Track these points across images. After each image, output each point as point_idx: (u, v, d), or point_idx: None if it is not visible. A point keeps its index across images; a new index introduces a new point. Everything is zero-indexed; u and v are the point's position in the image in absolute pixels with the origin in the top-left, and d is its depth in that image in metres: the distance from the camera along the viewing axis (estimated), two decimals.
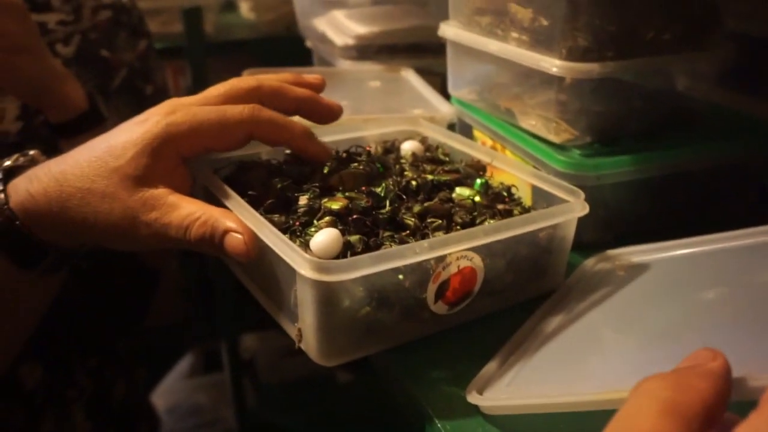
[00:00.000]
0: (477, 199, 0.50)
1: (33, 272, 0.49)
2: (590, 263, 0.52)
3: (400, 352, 0.44)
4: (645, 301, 0.46)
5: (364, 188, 0.47)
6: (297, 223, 0.44)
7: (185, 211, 0.42)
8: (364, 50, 0.87)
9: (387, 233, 0.44)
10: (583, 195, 0.49)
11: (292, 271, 0.39)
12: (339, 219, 0.44)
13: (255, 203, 0.45)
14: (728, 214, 0.63)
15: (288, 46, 1.13)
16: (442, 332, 0.45)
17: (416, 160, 0.56)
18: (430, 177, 0.51)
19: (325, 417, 1.35)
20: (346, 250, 0.42)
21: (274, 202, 0.47)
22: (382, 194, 0.47)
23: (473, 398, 0.38)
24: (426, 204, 0.48)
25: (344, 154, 0.54)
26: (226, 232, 0.41)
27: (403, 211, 0.47)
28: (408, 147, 0.58)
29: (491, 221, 0.47)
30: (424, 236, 0.44)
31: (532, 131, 0.62)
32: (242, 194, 0.46)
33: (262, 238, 0.41)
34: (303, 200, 0.46)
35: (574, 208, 0.48)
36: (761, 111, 0.66)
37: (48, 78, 0.64)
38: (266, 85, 0.49)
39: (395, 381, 0.43)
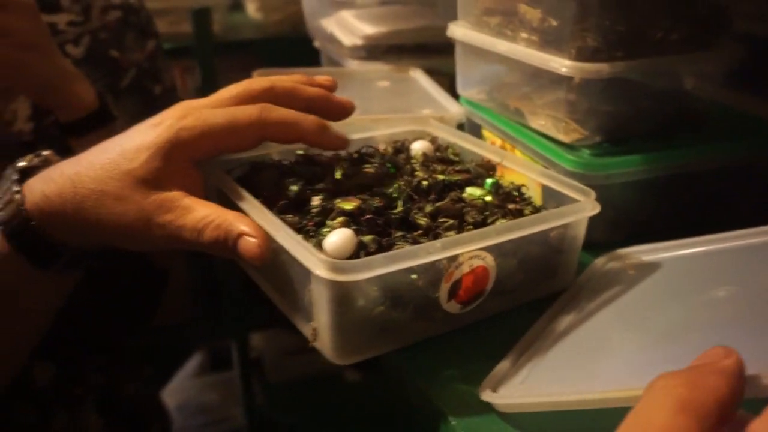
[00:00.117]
0: (488, 198, 0.50)
1: (48, 272, 0.49)
2: (600, 262, 0.53)
3: (413, 350, 0.44)
4: (656, 299, 0.46)
5: (376, 188, 0.48)
6: (310, 224, 0.45)
7: (199, 214, 0.43)
8: (373, 50, 0.87)
9: (399, 233, 0.45)
10: (593, 194, 0.49)
11: (307, 272, 0.40)
12: (352, 219, 0.45)
13: (268, 204, 0.46)
14: (737, 213, 0.63)
15: (296, 46, 1.14)
16: (454, 331, 0.46)
17: (427, 160, 0.56)
18: (441, 177, 0.52)
19: (332, 416, 1.36)
20: (359, 250, 0.42)
21: (287, 203, 0.47)
22: (394, 194, 0.48)
23: (487, 396, 0.39)
24: (437, 204, 0.48)
25: (355, 155, 0.54)
26: (240, 235, 0.41)
27: (415, 211, 0.47)
28: (418, 147, 0.58)
29: (503, 221, 0.47)
30: (436, 236, 0.45)
31: (542, 131, 0.62)
32: (255, 195, 0.46)
33: (277, 239, 0.42)
34: (316, 201, 0.47)
35: (585, 207, 0.48)
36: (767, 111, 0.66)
37: (58, 77, 0.64)
38: (279, 85, 0.50)
39: (408, 379, 0.43)
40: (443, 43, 0.75)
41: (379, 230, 0.45)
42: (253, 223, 0.42)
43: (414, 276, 0.42)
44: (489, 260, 0.44)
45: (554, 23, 0.59)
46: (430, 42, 0.89)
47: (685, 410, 0.25)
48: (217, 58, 1.22)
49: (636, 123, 0.62)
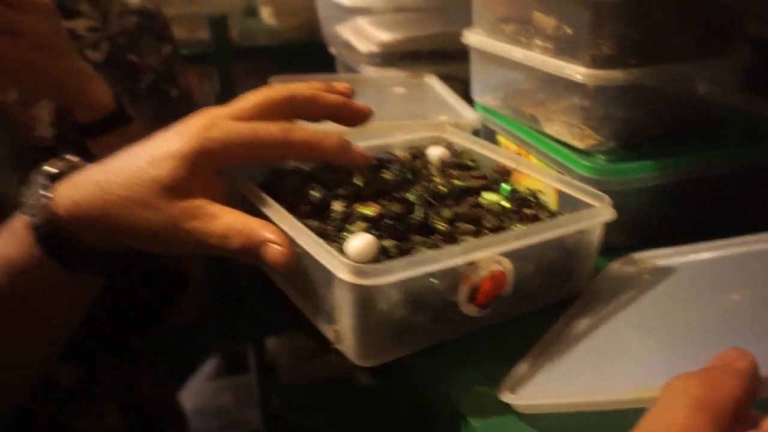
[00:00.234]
0: (505, 204, 0.51)
1: (76, 275, 0.51)
2: (616, 266, 0.53)
3: (432, 352, 0.45)
4: (670, 303, 0.47)
5: (396, 194, 0.49)
6: (332, 229, 0.46)
7: (225, 221, 0.44)
8: (389, 57, 0.88)
9: (419, 238, 0.46)
10: (609, 200, 0.50)
11: (330, 275, 0.41)
12: (372, 224, 0.46)
13: (290, 210, 0.47)
14: (752, 217, 0.64)
15: (311, 52, 1.15)
16: (472, 334, 0.47)
17: (444, 166, 0.57)
18: (458, 183, 0.53)
19: (347, 418, 1.37)
20: (380, 255, 0.44)
21: (309, 209, 0.48)
22: (413, 200, 0.49)
23: (506, 397, 0.40)
24: (455, 209, 0.49)
25: (374, 161, 0.56)
26: (265, 242, 0.43)
27: (434, 216, 0.48)
28: (435, 153, 0.59)
29: (520, 226, 0.48)
30: (454, 241, 0.46)
31: (557, 137, 0.63)
32: (277, 201, 0.48)
33: (301, 243, 0.43)
34: (337, 206, 0.48)
35: (600, 213, 0.49)
36: None
37: (75, 78, 0.65)
38: (299, 94, 0.51)
39: (428, 381, 0.44)
40: (458, 50, 0.76)
41: (398, 235, 0.46)
42: (278, 230, 0.43)
43: (434, 280, 0.43)
44: (507, 264, 0.45)
45: (569, 31, 0.60)
46: (445, 48, 0.90)
47: (701, 409, 0.26)
48: (233, 64, 1.24)
49: (650, 128, 0.63)
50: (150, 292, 0.83)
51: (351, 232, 0.45)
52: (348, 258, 0.42)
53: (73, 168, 0.51)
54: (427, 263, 0.41)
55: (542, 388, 0.40)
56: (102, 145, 0.68)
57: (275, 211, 0.46)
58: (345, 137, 0.52)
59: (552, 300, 0.50)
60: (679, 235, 0.54)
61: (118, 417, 0.82)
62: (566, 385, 0.40)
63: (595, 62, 0.58)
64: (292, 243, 0.43)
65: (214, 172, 0.47)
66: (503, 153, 0.60)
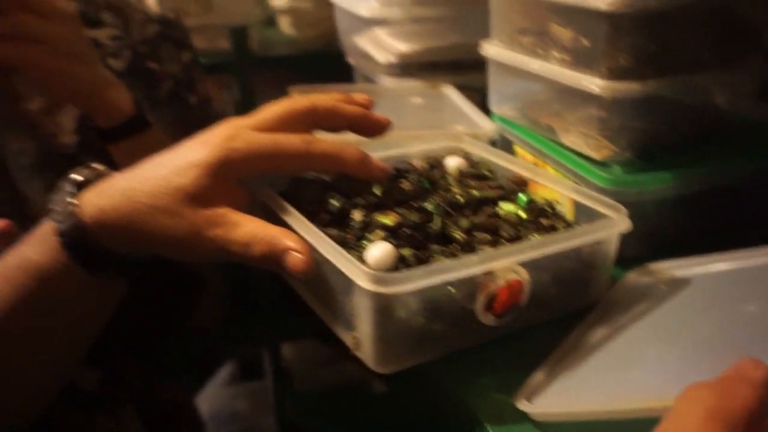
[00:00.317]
0: (521, 214, 0.52)
1: (101, 280, 0.52)
2: (632, 277, 0.54)
3: (450, 360, 0.46)
4: (686, 313, 0.47)
5: (415, 204, 0.50)
6: (351, 237, 0.47)
7: (247, 229, 0.45)
8: (407, 67, 0.89)
9: (437, 247, 0.47)
10: (625, 211, 0.50)
11: (350, 283, 0.42)
12: (391, 233, 0.47)
13: (311, 218, 0.48)
14: None
15: (330, 62, 1.17)
16: (489, 342, 0.47)
17: (461, 176, 0.58)
18: (475, 193, 0.54)
19: (361, 425, 1.37)
20: (399, 263, 0.44)
21: (329, 217, 0.49)
22: (431, 209, 0.50)
23: (523, 405, 0.40)
24: (473, 219, 0.50)
25: (392, 171, 0.56)
26: (286, 250, 0.44)
27: (451, 225, 0.49)
28: (453, 163, 0.60)
29: (536, 236, 0.49)
30: (471, 250, 0.47)
31: (573, 147, 0.63)
32: (298, 209, 0.49)
33: (322, 251, 0.44)
34: (357, 215, 0.49)
35: (616, 223, 0.49)
36: None
37: (96, 83, 0.67)
38: (320, 105, 0.52)
39: (446, 388, 0.45)
40: (476, 60, 0.76)
41: (417, 244, 0.47)
42: (298, 238, 0.44)
43: (452, 288, 0.44)
44: (523, 274, 0.45)
45: (586, 43, 0.60)
46: (462, 58, 0.90)
47: (715, 418, 0.26)
48: (253, 73, 1.26)
49: (667, 139, 0.63)
50: (169, 296, 0.84)
51: (370, 240, 0.46)
52: (367, 266, 0.43)
53: (99, 176, 0.53)
54: (445, 272, 0.42)
55: (558, 396, 0.40)
56: (122, 151, 0.70)
57: (296, 219, 0.47)
58: (364, 149, 0.53)
59: (568, 309, 0.50)
60: (695, 245, 0.55)
61: (137, 421, 0.84)
62: (582, 393, 0.41)
63: (612, 74, 0.59)
64: (312, 251, 0.44)
65: (237, 181, 0.48)
66: (520, 163, 0.61)
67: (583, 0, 0.58)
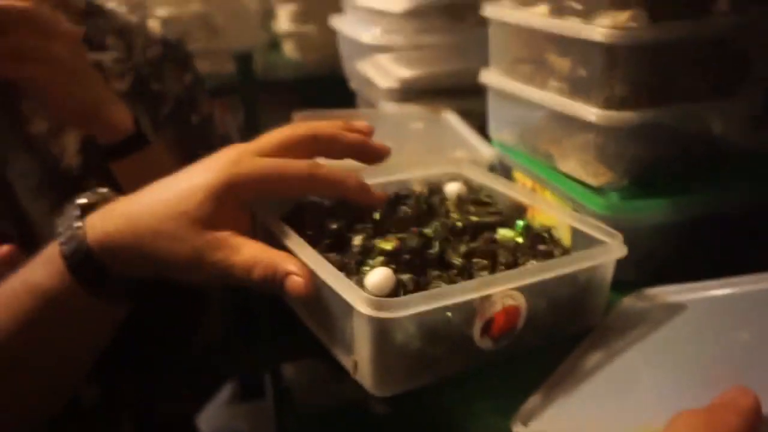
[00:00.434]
0: (519, 240, 0.53)
1: (104, 302, 0.53)
2: (628, 302, 0.55)
3: (447, 384, 0.47)
4: (681, 339, 0.48)
5: (414, 229, 0.51)
6: (352, 262, 0.48)
7: (248, 253, 0.46)
8: (408, 93, 0.91)
9: (435, 272, 0.48)
10: (621, 237, 0.51)
11: (350, 308, 0.43)
12: (390, 258, 0.48)
13: (312, 242, 0.49)
14: (765, 255, 0.65)
15: (333, 86, 1.18)
16: (486, 366, 0.48)
17: (460, 202, 0.59)
18: (474, 218, 0.54)
19: None
20: (398, 288, 0.45)
21: (330, 242, 0.50)
22: (431, 235, 0.51)
23: (519, 429, 0.41)
24: (471, 244, 0.51)
25: (393, 196, 0.58)
26: (287, 274, 0.45)
27: (450, 251, 0.50)
28: (452, 189, 0.61)
29: (533, 262, 0.49)
30: (470, 276, 0.48)
31: (571, 174, 0.65)
32: (299, 233, 0.50)
33: (322, 276, 0.45)
34: (357, 240, 0.50)
35: (612, 249, 0.50)
36: None
37: (98, 102, 0.68)
38: (321, 132, 0.53)
39: (443, 412, 0.46)
40: (476, 86, 0.78)
41: (416, 269, 0.47)
42: (299, 262, 0.45)
43: (449, 314, 0.44)
44: (520, 299, 0.46)
45: (583, 73, 0.62)
46: (463, 84, 0.92)
47: None
48: (257, 97, 1.27)
49: (664, 166, 0.65)
50: (170, 314, 0.85)
51: (370, 265, 0.47)
52: (367, 291, 0.44)
53: (104, 200, 0.54)
54: (443, 297, 0.43)
55: (554, 420, 0.41)
56: (124, 169, 0.71)
57: (297, 243, 0.48)
58: (365, 174, 0.54)
59: (565, 334, 0.51)
60: (691, 271, 0.55)
61: None
62: (577, 418, 0.41)
63: (609, 103, 0.60)
64: (312, 275, 0.45)
65: (241, 205, 0.49)
66: (518, 189, 0.62)
67: (581, 31, 0.59)
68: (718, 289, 0.52)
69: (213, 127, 0.91)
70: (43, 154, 0.75)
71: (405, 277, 0.46)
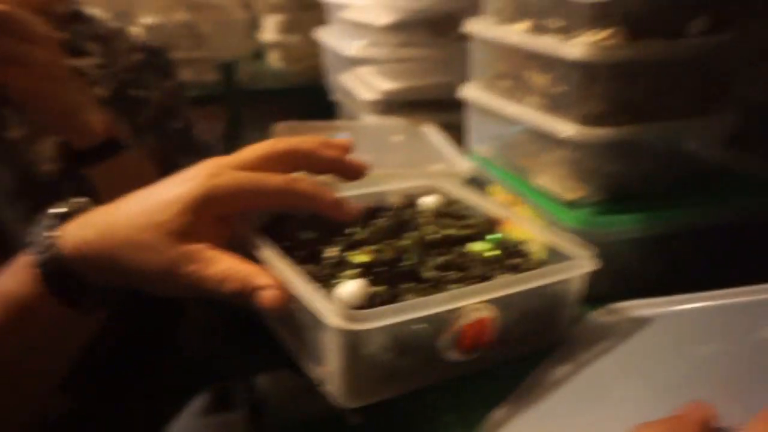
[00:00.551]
0: (492, 253, 0.53)
1: (78, 312, 0.53)
2: (597, 315, 0.55)
3: (417, 396, 0.47)
4: (647, 354, 0.48)
5: (388, 242, 0.51)
6: (326, 274, 0.48)
7: (221, 266, 0.46)
8: (389, 105, 0.92)
9: (408, 285, 0.48)
10: (593, 251, 0.52)
11: (321, 319, 0.43)
12: (364, 270, 0.48)
13: (286, 254, 0.49)
14: (734, 271, 0.66)
15: (316, 97, 1.19)
16: (456, 378, 0.48)
17: (436, 215, 0.59)
18: (448, 231, 0.55)
19: None
20: (370, 300, 0.46)
21: (305, 253, 0.51)
22: (405, 247, 0.51)
23: None
24: (445, 257, 0.51)
25: (369, 208, 0.58)
26: (257, 288, 0.45)
27: (423, 263, 0.50)
28: (428, 201, 0.62)
29: (505, 275, 0.50)
30: (442, 288, 0.48)
31: (546, 188, 0.65)
32: (273, 245, 0.50)
33: (294, 287, 0.45)
34: (331, 252, 0.50)
35: (584, 264, 0.51)
36: (765, 172, 0.69)
37: (74, 105, 0.68)
38: (300, 148, 0.53)
39: (411, 423, 0.46)
40: (456, 100, 0.79)
41: (389, 281, 0.48)
42: (271, 275, 0.45)
43: (420, 326, 0.45)
44: (491, 312, 0.47)
45: (561, 89, 0.63)
46: (443, 98, 0.93)
47: None
48: (241, 106, 1.28)
49: (637, 183, 0.66)
50: (144, 326, 0.85)
51: (343, 277, 0.47)
52: (338, 303, 0.44)
53: (81, 209, 0.54)
54: (414, 310, 0.43)
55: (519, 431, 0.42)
56: (101, 175, 0.71)
57: (270, 255, 0.48)
58: (344, 186, 0.54)
59: (535, 347, 0.52)
60: (664, 286, 0.56)
61: None
62: (542, 429, 0.42)
63: (585, 119, 0.61)
64: (286, 289, 0.45)
65: (218, 218, 0.49)
66: (494, 203, 0.63)
67: (558, 49, 0.60)
68: (686, 304, 0.53)
69: (194, 135, 0.91)
70: (19, 160, 0.75)
71: (377, 289, 0.46)
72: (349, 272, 0.48)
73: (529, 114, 0.66)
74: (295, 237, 0.52)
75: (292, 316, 0.48)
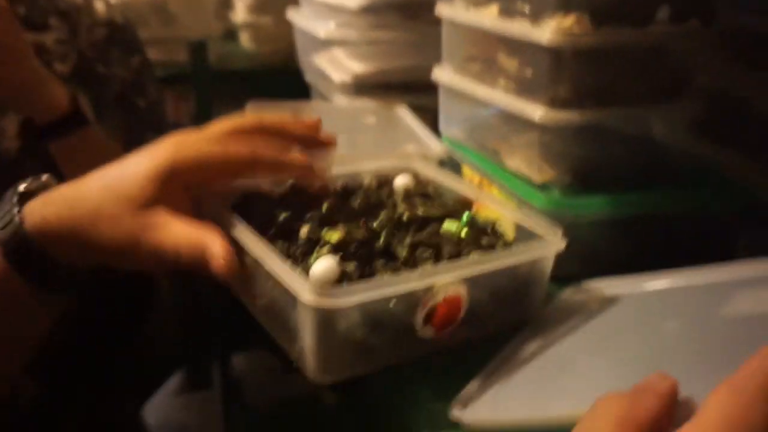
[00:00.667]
0: (463, 233, 0.54)
1: (42, 292, 0.52)
2: (566, 294, 0.57)
3: (389, 372, 0.48)
4: (615, 330, 0.50)
5: (361, 221, 0.52)
6: (298, 252, 0.49)
7: (179, 232, 0.46)
8: (361, 87, 0.92)
9: (380, 262, 0.49)
10: (560, 232, 0.53)
11: (293, 297, 0.43)
12: (337, 249, 0.49)
13: (260, 232, 0.49)
14: (697, 254, 0.67)
15: (288, 78, 1.18)
16: (428, 355, 0.49)
17: (408, 195, 0.60)
18: (420, 211, 0.56)
19: None
20: (343, 278, 0.46)
21: (277, 232, 0.51)
22: (377, 227, 0.52)
23: (456, 414, 0.42)
24: (416, 237, 0.52)
25: (342, 188, 0.58)
26: (211, 255, 0.45)
27: (396, 242, 0.51)
28: (400, 182, 0.62)
29: (476, 254, 0.51)
30: (414, 267, 0.49)
31: (516, 170, 0.66)
32: (247, 223, 0.50)
33: (266, 265, 0.45)
34: (304, 231, 0.50)
35: (552, 244, 0.52)
36: (727, 160, 0.71)
37: (31, 79, 0.67)
38: (268, 123, 0.54)
39: (385, 399, 0.47)
40: (429, 82, 0.79)
41: (361, 260, 0.48)
42: (223, 242, 0.45)
43: (392, 303, 0.45)
44: (462, 290, 0.47)
45: (530, 73, 0.64)
46: (416, 80, 0.93)
47: (622, 426, 0.28)
48: (213, 86, 1.27)
49: (605, 166, 0.67)
50: (117, 307, 0.84)
51: (316, 255, 0.48)
52: (311, 280, 0.45)
53: (45, 187, 0.53)
54: (386, 287, 0.44)
55: (490, 406, 0.43)
56: (63, 150, 0.70)
57: (243, 233, 0.48)
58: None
59: (505, 325, 0.53)
60: (630, 266, 0.57)
61: None
62: (513, 403, 0.43)
63: (553, 103, 0.62)
64: (233, 255, 0.45)
65: (184, 189, 0.49)
66: (465, 184, 0.64)
67: (527, 33, 0.61)
68: (651, 283, 0.55)
69: (162, 112, 0.90)
70: None
71: (349, 266, 0.47)
72: (321, 251, 0.48)
73: (499, 97, 0.67)
74: (266, 215, 0.52)
75: (264, 294, 0.49)
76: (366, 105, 0.90)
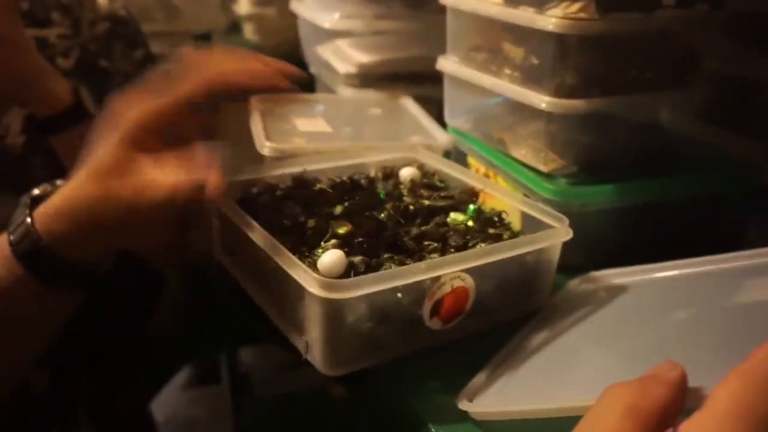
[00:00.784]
0: (470, 223, 0.54)
1: (54, 290, 0.53)
2: (574, 284, 0.56)
3: (397, 364, 0.48)
4: (623, 319, 0.50)
5: (367, 213, 0.52)
6: (305, 245, 0.49)
7: (168, 175, 0.47)
8: (366, 78, 0.91)
9: (387, 255, 0.49)
10: (567, 221, 0.53)
11: (302, 289, 0.43)
12: (344, 241, 0.49)
13: (266, 225, 0.49)
14: (706, 241, 0.67)
15: None
16: (436, 346, 0.49)
17: (414, 186, 0.60)
18: (426, 202, 0.56)
19: (320, 431, 1.38)
20: (350, 270, 0.46)
21: (284, 225, 0.51)
22: (384, 218, 0.52)
23: (464, 405, 0.42)
24: (423, 228, 0.52)
25: (348, 180, 0.58)
26: (204, 182, 0.46)
27: (402, 234, 0.51)
28: (406, 173, 0.62)
29: (483, 245, 0.51)
30: (420, 258, 0.49)
31: (523, 160, 0.66)
32: (254, 217, 0.50)
33: (275, 259, 0.45)
34: (311, 223, 0.50)
35: (559, 233, 0.52)
36: (736, 145, 0.70)
37: (32, 72, 0.67)
38: (233, 77, 0.53)
39: (393, 391, 0.47)
40: (434, 73, 0.79)
41: (369, 252, 0.48)
42: (211, 169, 0.47)
43: (399, 295, 0.45)
44: (469, 281, 0.47)
45: (535, 62, 0.63)
46: (421, 71, 0.93)
47: (630, 415, 0.28)
48: None
49: (612, 154, 0.66)
50: (126, 300, 0.84)
51: (324, 248, 0.48)
52: (318, 273, 0.45)
53: (56, 190, 0.54)
54: (393, 278, 0.44)
55: (498, 396, 0.43)
56: (65, 144, 0.70)
57: (251, 227, 0.49)
58: (324, 158, 0.54)
59: (513, 315, 0.53)
60: (636, 255, 0.57)
61: (89, 426, 0.83)
62: (520, 394, 0.43)
63: (560, 91, 0.61)
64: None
65: (156, 139, 0.50)
66: (471, 175, 0.63)
67: (533, 21, 0.61)
68: (661, 272, 0.55)
69: None
70: None
71: (356, 259, 0.47)
72: (328, 243, 0.48)
73: (505, 86, 0.66)
74: (274, 209, 0.53)
75: (273, 287, 0.49)
76: (371, 96, 0.90)
